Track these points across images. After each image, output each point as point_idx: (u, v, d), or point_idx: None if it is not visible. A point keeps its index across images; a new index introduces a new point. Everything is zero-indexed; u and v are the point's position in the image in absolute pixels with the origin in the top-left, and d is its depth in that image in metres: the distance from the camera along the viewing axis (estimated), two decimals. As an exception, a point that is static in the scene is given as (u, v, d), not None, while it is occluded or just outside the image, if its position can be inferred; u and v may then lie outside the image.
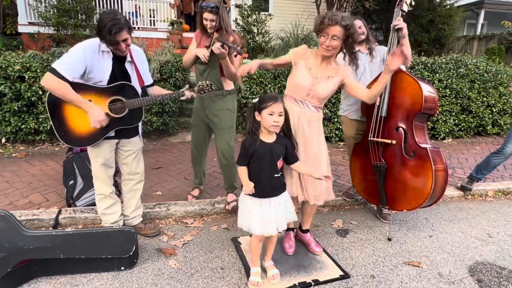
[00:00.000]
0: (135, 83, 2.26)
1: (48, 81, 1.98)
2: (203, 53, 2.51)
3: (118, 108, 2.18)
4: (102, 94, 2.14)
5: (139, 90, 2.27)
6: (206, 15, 2.51)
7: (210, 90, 2.39)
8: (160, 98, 2.31)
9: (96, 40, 2.10)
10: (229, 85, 2.73)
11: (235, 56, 2.53)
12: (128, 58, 2.23)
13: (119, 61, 2.19)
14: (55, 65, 1.99)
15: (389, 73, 2.13)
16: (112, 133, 2.24)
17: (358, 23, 2.78)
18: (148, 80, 2.42)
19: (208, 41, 2.57)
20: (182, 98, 2.36)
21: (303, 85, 2.12)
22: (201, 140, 2.93)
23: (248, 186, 1.87)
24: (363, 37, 2.78)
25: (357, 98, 2.28)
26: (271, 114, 1.83)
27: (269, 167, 1.90)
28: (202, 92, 2.39)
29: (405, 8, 2.63)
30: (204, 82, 2.39)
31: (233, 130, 2.82)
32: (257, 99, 1.93)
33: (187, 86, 2.39)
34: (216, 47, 2.36)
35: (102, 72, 2.12)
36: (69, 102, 2.06)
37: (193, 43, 2.73)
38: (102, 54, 2.11)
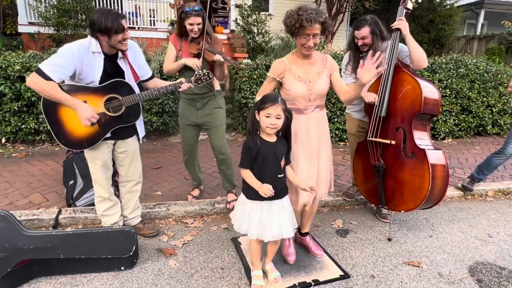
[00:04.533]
0: (130, 79, 2.21)
1: (33, 82, 1.91)
2: (196, 64, 2.54)
3: (115, 107, 2.14)
4: (96, 93, 2.09)
5: (135, 86, 2.22)
6: (193, 19, 2.51)
7: (208, 79, 2.36)
8: (157, 92, 2.23)
9: (85, 41, 2.04)
10: (217, 85, 2.81)
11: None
12: (120, 55, 2.17)
13: (111, 60, 2.14)
14: (42, 66, 1.92)
15: (361, 86, 1.95)
16: (108, 134, 2.21)
17: (363, 32, 2.59)
18: (147, 73, 2.37)
19: (195, 48, 2.60)
20: (180, 89, 2.30)
21: (300, 94, 2.07)
22: (192, 141, 2.90)
23: (264, 187, 1.77)
24: (365, 48, 2.66)
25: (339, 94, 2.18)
26: (267, 116, 1.79)
27: (273, 166, 1.85)
28: (200, 82, 2.36)
29: (410, 5, 2.52)
30: (201, 71, 2.35)
31: (225, 125, 2.89)
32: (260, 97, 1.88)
33: (182, 79, 2.37)
34: (219, 59, 2.49)
35: (93, 73, 2.06)
36: (58, 103, 2.00)
37: (171, 49, 2.69)
38: (92, 55, 2.05)
